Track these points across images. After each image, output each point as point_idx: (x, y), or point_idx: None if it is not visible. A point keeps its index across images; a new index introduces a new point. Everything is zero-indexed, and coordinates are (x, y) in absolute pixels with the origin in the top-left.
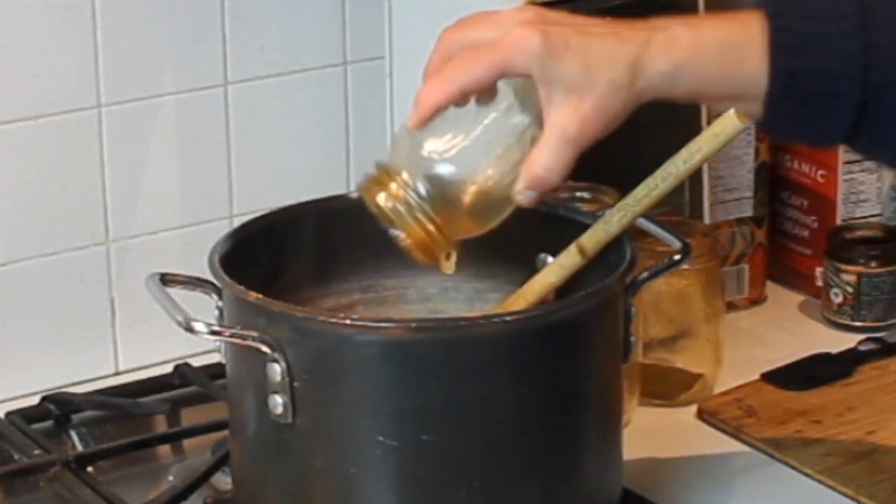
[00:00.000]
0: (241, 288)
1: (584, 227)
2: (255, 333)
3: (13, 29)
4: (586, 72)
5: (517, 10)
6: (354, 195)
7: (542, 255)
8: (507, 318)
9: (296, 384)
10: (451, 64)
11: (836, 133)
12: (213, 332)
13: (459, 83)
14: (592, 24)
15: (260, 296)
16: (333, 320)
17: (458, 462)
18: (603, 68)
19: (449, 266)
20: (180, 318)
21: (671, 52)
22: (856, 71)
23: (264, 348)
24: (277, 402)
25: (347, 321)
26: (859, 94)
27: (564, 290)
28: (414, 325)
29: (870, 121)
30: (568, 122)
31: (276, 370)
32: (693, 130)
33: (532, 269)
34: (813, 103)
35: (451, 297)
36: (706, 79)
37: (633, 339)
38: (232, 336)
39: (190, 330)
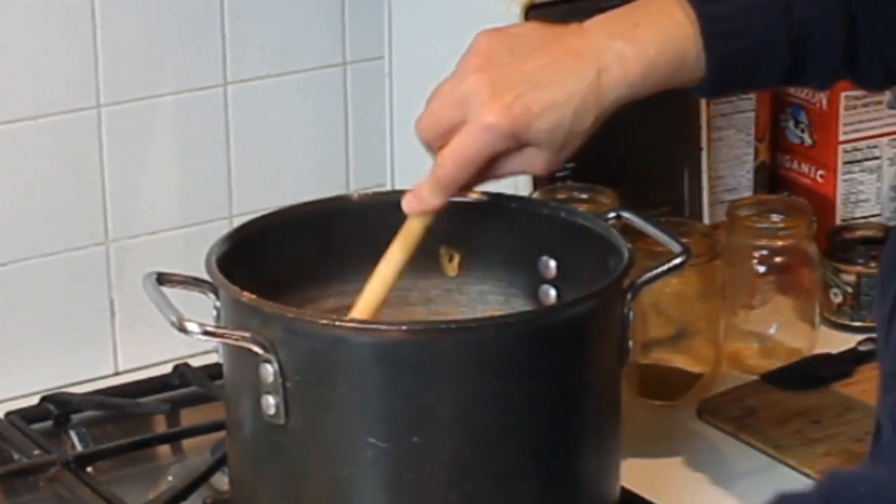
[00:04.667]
0: (235, 288)
1: (583, 229)
2: (247, 334)
3: (13, 29)
4: (553, 131)
5: (465, 75)
6: (355, 196)
7: (544, 258)
8: (501, 322)
9: (288, 385)
10: (437, 171)
11: (774, 80)
12: (207, 333)
13: (456, 184)
14: (538, 66)
15: (253, 296)
16: (325, 321)
17: (449, 465)
18: (567, 121)
19: (452, 268)
20: (174, 318)
21: (625, 77)
22: (780, 17)
23: (257, 349)
24: (270, 402)
25: (339, 322)
26: (787, 37)
27: (562, 292)
28: (405, 327)
29: (803, 59)
30: (547, 168)
31: (269, 371)
32: (692, 130)
33: (534, 271)
34: (751, 65)
35: (453, 299)
36: (657, 84)
37: (630, 343)
38: (225, 336)
39: (183, 330)
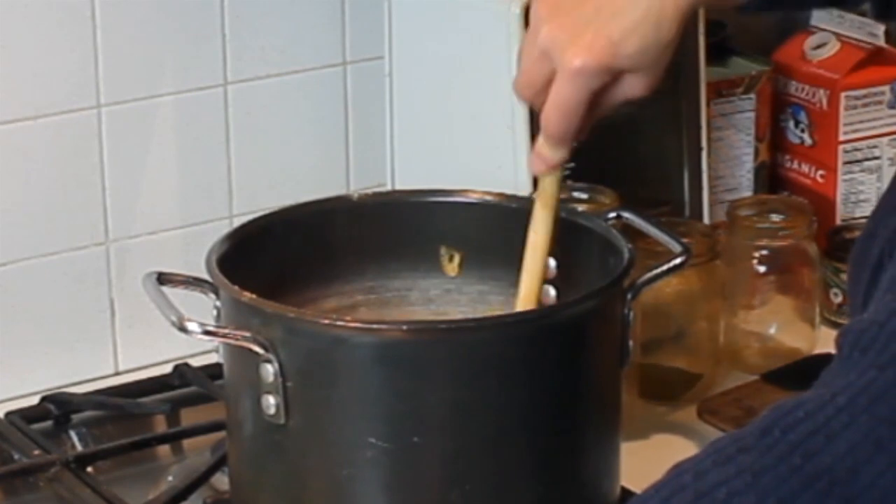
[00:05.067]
0: (235, 288)
1: (583, 229)
2: (247, 334)
3: (13, 29)
4: (641, 52)
5: (538, 27)
6: (355, 196)
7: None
8: (501, 321)
9: (288, 385)
10: (546, 128)
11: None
12: (207, 333)
13: (568, 134)
14: None
15: (253, 296)
16: (325, 321)
17: (449, 464)
18: (651, 37)
19: (452, 268)
20: (174, 318)
21: None
22: None
23: (257, 349)
24: (270, 402)
25: (339, 322)
26: None
27: (562, 292)
28: (405, 326)
29: None
30: (651, 87)
31: (269, 371)
32: (692, 130)
33: None
34: None
35: (453, 299)
36: None
37: (630, 343)
38: (225, 336)
39: (183, 330)
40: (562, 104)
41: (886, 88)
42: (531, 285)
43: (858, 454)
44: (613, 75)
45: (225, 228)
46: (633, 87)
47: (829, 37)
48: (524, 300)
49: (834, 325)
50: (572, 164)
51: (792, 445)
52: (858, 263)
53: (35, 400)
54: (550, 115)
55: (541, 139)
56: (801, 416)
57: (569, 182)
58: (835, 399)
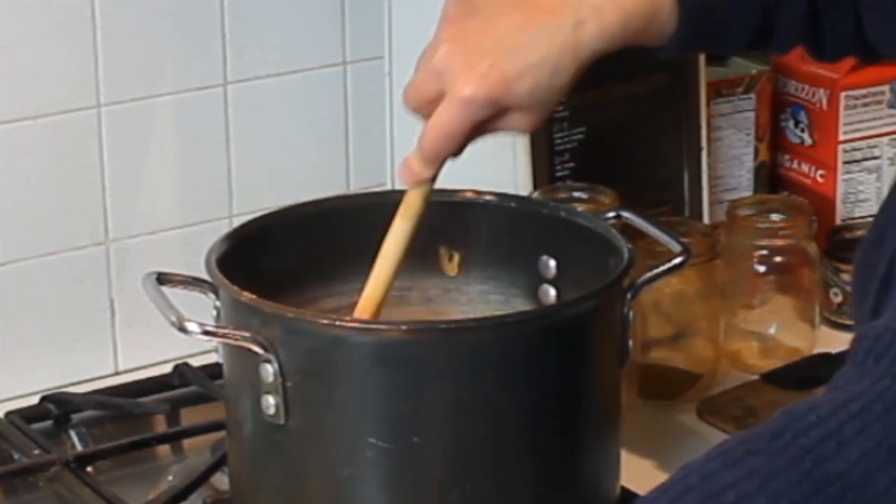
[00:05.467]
0: (235, 288)
1: (583, 229)
2: (247, 334)
3: (13, 29)
4: (532, 93)
5: (438, 45)
6: (355, 196)
7: (544, 258)
8: (501, 321)
9: (288, 385)
10: (422, 144)
11: (741, 43)
12: (206, 333)
13: (442, 156)
14: (510, 28)
15: (253, 296)
16: (325, 321)
17: (449, 464)
18: (545, 81)
19: (452, 268)
20: (174, 318)
21: (602, 30)
22: None
23: (257, 349)
24: (270, 402)
25: (339, 322)
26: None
27: (562, 292)
28: (405, 326)
29: (771, 22)
30: (531, 127)
31: (269, 371)
32: (692, 130)
33: (534, 271)
34: (722, 24)
35: (453, 299)
36: (631, 38)
37: (630, 343)
38: (224, 336)
39: (183, 330)
40: (443, 127)
41: (886, 88)
42: (374, 293)
43: (871, 461)
44: (499, 109)
45: (225, 228)
46: (516, 123)
47: None
48: (362, 307)
49: (834, 324)
50: (572, 164)
51: (804, 449)
52: (864, 273)
53: (35, 400)
54: (429, 134)
55: (414, 152)
56: (813, 420)
57: (569, 182)
58: (848, 405)
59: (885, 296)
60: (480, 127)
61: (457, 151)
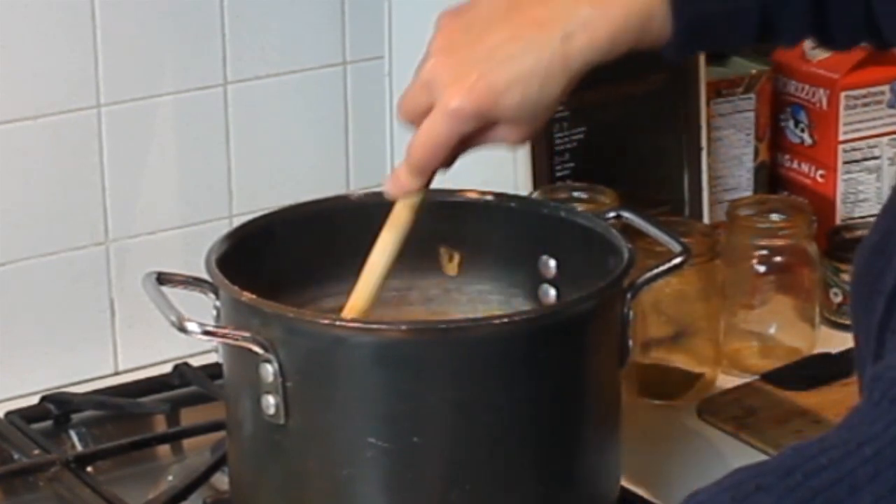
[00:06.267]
0: (235, 288)
1: (584, 229)
2: (247, 334)
3: (13, 29)
4: (520, 106)
5: (428, 58)
6: (355, 196)
7: (544, 258)
8: (501, 321)
9: (288, 385)
10: (410, 156)
11: (743, 41)
12: (206, 333)
13: (430, 167)
14: (499, 41)
15: (253, 296)
16: (325, 321)
17: (449, 464)
18: (534, 94)
19: (452, 268)
20: (174, 318)
21: (592, 43)
22: None
23: (257, 349)
24: (270, 402)
25: (339, 322)
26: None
27: (562, 292)
28: (405, 326)
29: (771, 20)
30: (520, 140)
31: (269, 371)
32: (692, 130)
33: (534, 271)
34: (720, 27)
35: (452, 298)
36: (624, 47)
37: (630, 343)
38: (225, 336)
39: (183, 330)
40: (430, 139)
41: (886, 88)
42: (358, 303)
43: None
44: (487, 122)
45: (225, 228)
46: (505, 136)
47: None
48: (350, 312)
49: (834, 324)
50: (572, 164)
51: (815, 491)
52: (867, 282)
53: (35, 400)
54: (417, 146)
55: (402, 164)
56: (824, 462)
57: (569, 182)
58: (861, 448)
59: (891, 315)
60: (469, 140)
61: (445, 163)
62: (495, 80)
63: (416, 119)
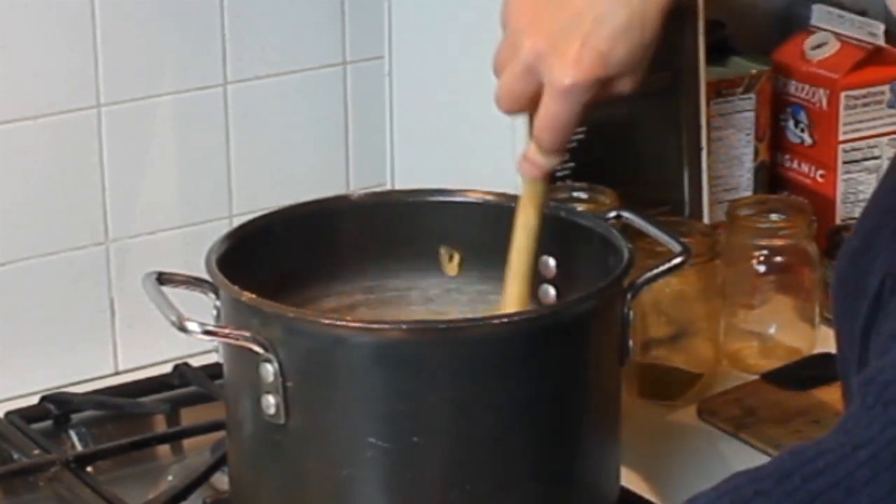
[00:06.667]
0: (235, 288)
1: (583, 229)
2: (247, 333)
3: (13, 29)
4: (630, 57)
5: (519, 40)
6: (355, 196)
7: (544, 258)
8: (501, 321)
9: (288, 385)
10: (539, 141)
11: None
12: (207, 332)
13: (562, 145)
14: (585, 1)
15: (253, 296)
16: (325, 321)
17: (449, 464)
18: (638, 39)
19: (452, 268)
20: (174, 318)
21: None
22: None
23: (257, 348)
24: (270, 402)
25: (339, 322)
26: None
27: (562, 292)
28: (405, 326)
29: None
30: (638, 84)
31: (269, 370)
32: (692, 130)
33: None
34: None
35: (453, 298)
36: None
37: (630, 343)
38: (225, 336)
39: (183, 330)
40: (556, 121)
41: (886, 88)
42: (519, 289)
43: None
44: (604, 83)
45: (225, 228)
46: (621, 88)
47: (828, 36)
48: (511, 304)
49: None
50: (572, 164)
51: (812, 495)
52: (850, 284)
53: (35, 400)
54: (544, 132)
55: (533, 147)
56: (821, 466)
57: (569, 182)
58: (857, 452)
59: (875, 319)
60: (590, 103)
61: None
62: (597, 44)
63: (524, 106)
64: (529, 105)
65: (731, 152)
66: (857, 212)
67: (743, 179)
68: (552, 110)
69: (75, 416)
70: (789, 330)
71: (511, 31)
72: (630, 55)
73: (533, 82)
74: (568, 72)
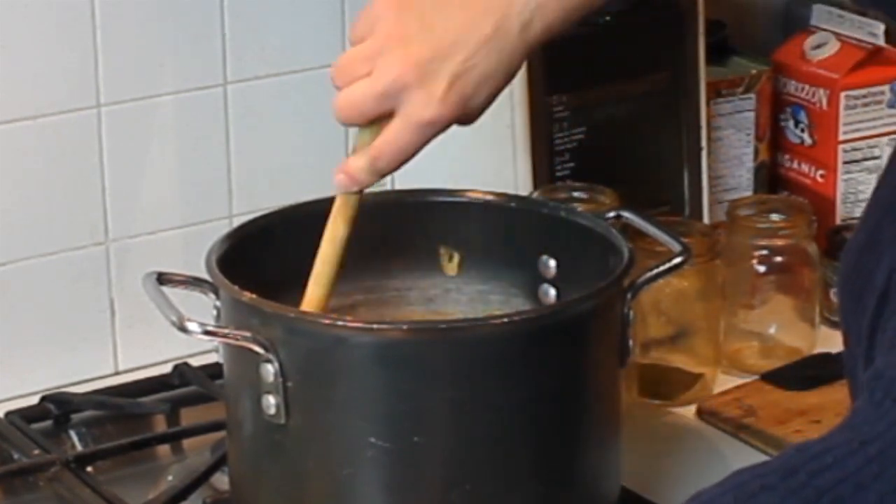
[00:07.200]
0: (235, 288)
1: (583, 229)
2: (248, 334)
3: (13, 29)
4: (489, 100)
5: (386, 61)
6: None
7: (544, 258)
8: (501, 321)
9: (289, 385)
10: (375, 160)
11: None
12: (207, 333)
13: (393, 170)
14: (456, 32)
15: (253, 296)
16: (326, 321)
17: (450, 464)
18: (501, 84)
19: (452, 268)
20: (174, 318)
21: (549, 28)
22: None
23: (257, 349)
24: (270, 402)
25: (339, 322)
26: None
27: (562, 292)
28: (405, 326)
29: None
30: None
31: (269, 371)
32: (692, 130)
33: (534, 271)
34: None
35: (453, 298)
36: (575, 19)
37: (630, 343)
38: (225, 336)
39: (184, 330)
40: (402, 149)
41: (886, 88)
42: (318, 292)
43: None
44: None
45: (225, 228)
46: (464, 123)
47: (828, 37)
48: (307, 305)
49: (834, 324)
50: (572, 164)
51: (819, 491)
52: (857, 280)
53: (35, 400)
54: (387, 156)
55: (360, 162)
56: (828, 461)
57: (569, 182)
58: (865, 448)
59: (882, 315)
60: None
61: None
62: (464, 87)
63: (364, 123)
64: (370, 122)
65: (731, 152)
66: (857, 212)
67: (743, 179)
68: (403, 139)
69: (75, 416)
70: (789, 330)
71: (374, 42)
72: (489, 101)
73: (386, 107)
74: (432, 109)
